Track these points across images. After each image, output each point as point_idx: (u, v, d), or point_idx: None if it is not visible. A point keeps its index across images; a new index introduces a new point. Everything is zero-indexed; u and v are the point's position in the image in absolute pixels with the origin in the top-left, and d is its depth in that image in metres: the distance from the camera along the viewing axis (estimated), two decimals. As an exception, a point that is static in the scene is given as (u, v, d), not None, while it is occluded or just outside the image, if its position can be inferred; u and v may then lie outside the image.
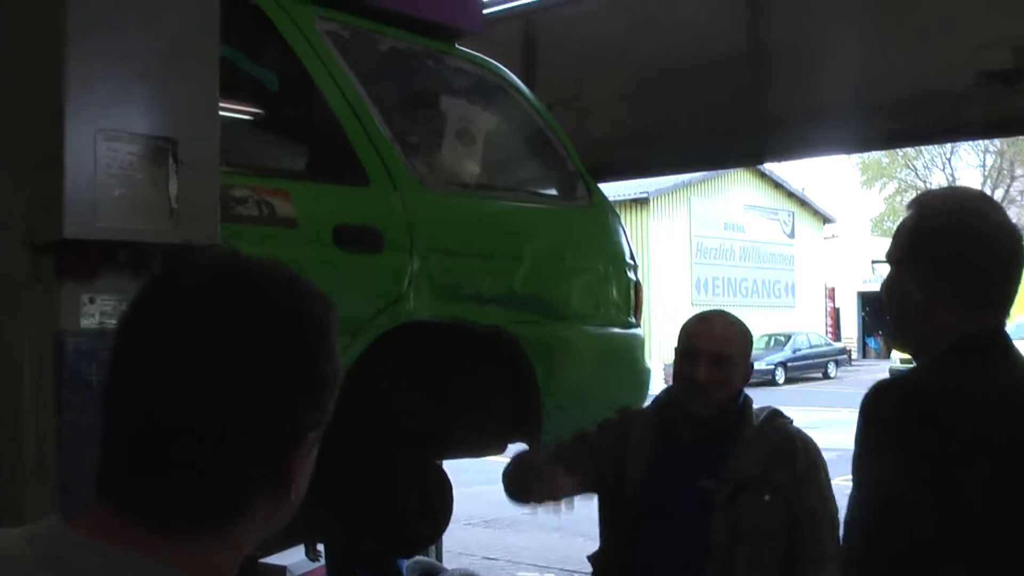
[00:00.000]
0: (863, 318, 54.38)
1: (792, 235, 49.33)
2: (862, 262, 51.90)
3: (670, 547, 3.86)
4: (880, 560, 2.31)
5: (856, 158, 61.65)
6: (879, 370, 27.55)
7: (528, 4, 9.40)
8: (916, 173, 63.54)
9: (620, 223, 6.39)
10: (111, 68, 3.19)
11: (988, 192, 57.82)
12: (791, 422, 4.03)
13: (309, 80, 4.87)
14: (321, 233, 4.60)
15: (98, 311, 3.11)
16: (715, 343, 3.93)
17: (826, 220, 53.65)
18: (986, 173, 61.34)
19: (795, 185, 51.06)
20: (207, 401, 1.38)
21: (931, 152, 60.09)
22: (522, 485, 4.15)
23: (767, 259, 47.51)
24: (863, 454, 2.42)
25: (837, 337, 50.95)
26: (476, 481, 15.21)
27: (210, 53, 3.46)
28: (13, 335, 3.24)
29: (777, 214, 48.54)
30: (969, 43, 6.96)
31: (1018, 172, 61.58)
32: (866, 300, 51.83)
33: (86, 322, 3.10)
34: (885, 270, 2.68)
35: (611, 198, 6.53)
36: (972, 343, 2.46)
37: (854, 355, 51.41)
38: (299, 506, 1.54)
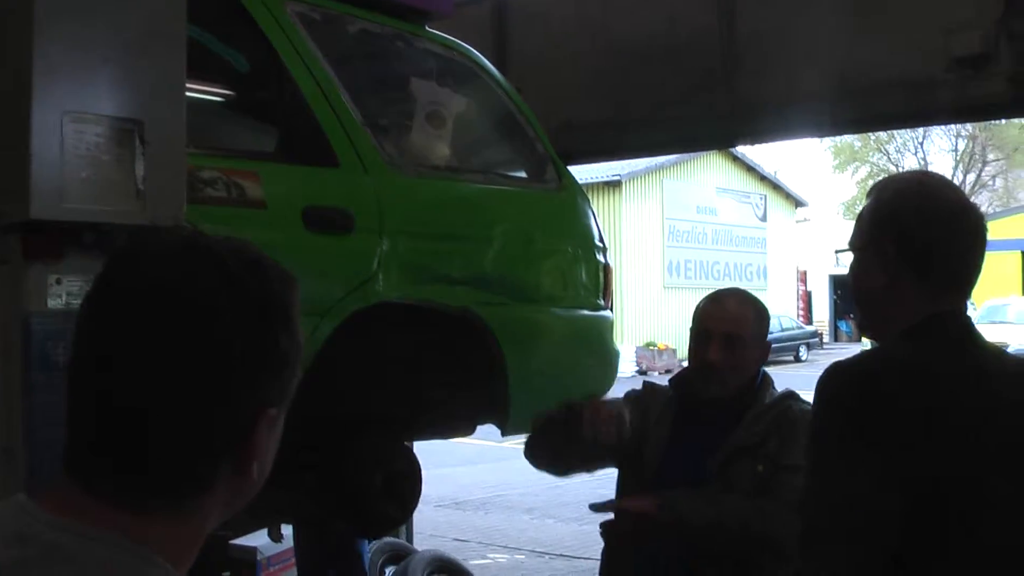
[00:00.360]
0: (835, 301, 54.59)
1: (764, 218, 49.46)
2: (834, 246, 52.07)
3: None
4: (829, 541, 2.33)
5: (828, 142, 62.01)
6: (850, 353, 27.65)
7: (499, -14, 9.39)
8: (888, 157, 63.83)
9: (589, 205, 6.40)
10: (78, 50, 3.19)
11: (960, 176, 58.40)
12: (805, 405, 3.72)
13: (279, 61, 4.86)
14: (291, 215, 4.60)
15: (64, 292, 3.12)
16: (727, 324, 3.85)
17: (798, 204, 53.81)
18: (958, 157, 61.66)
19: (767, 168, 51.25)
20: (166, 377, 1.39)
21: (903, 136, 60.40)
22: (562, 433, 3.87)
23: (739, 242, 47.63)
24: (816, 436, 2.44)
25: (809, 320, 51.15)
26: (447, 463, 15.28)
27: (177, 35, 3.46)
28: (-20, 316, 3.24)
29: (749, 197, 48.64)
30: (939, 28, 6.98)
31: (990, 157, 61.90)
32: (838, 283, 52.03)
33: (53, 303, 3.10)
34: (849, 258, 2.69)
35: (583, 180, 6.55)
36: (929, 324, 2.48)
37: (826, 338, 51.57)
38: (264, 485, 1.55)
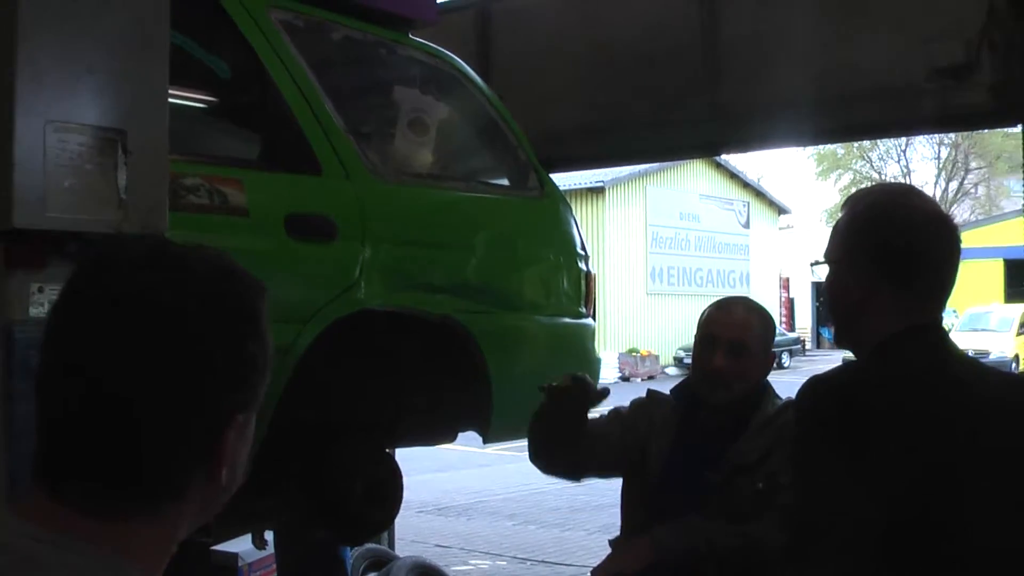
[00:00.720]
0: (817, 308, 54.61)
1: (747, 225, 49.51)
2: (817, 253, 52.01)
3: None
4: (814, 555, 2.34)
5: (812, 149, 61.99)
6: (833, 360, 27.64)
7: (482, -6, 9.39)
8: (871, 165, 64.00)
9: (572, 213, 6.42)
10: (61, 59, 3.19)
11: (943, 184, 58.53)
12: None
13: (262, 69, 4.86)
14: (273, 222, 4.60)
15: (47, 300, 3.11)
16: (732, 331, 3.86)
17: (781, 211, 53.86)
18: (941, 165, 61.86)
19: (751, 175, 51.30)
20: (134, 385, 1.39)
21: (886, 144, 60.54)
22: (555, 416, 4.01)
23: (722, 249, 47.64)
24: (796, 449, 2.46)
25: (791, 327, 51.16)
26: (429, 469, 15.28)
27: (160, 44, 3.46)
28: (-38, 324, 3.24)
29: (732, 204, 48.68)
30: (921, 38, 7.01)
31: (973, 165, 62.04)
32: (820, 291, 52.03)
33: (35, 311, 3.10)
34: (823, 271, 2.71)
35: (567, 187, 6.56)
36: (906, 336, 2.49)
37: (808, 345, 51.61)
38: (247, 491, 1.56)
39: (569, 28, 8.75)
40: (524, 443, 4.21)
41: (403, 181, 5.40)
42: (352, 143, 5.06)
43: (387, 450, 5.66)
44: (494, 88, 6.50)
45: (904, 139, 56.62)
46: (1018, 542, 2.36)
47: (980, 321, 35.23)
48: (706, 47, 8.07)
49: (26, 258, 3.12)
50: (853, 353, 2.68)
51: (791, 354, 43.75)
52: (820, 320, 54.96)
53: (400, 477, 5.40)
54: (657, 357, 39.81)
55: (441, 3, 7.52)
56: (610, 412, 4.23)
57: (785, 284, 52.77)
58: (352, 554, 7.53)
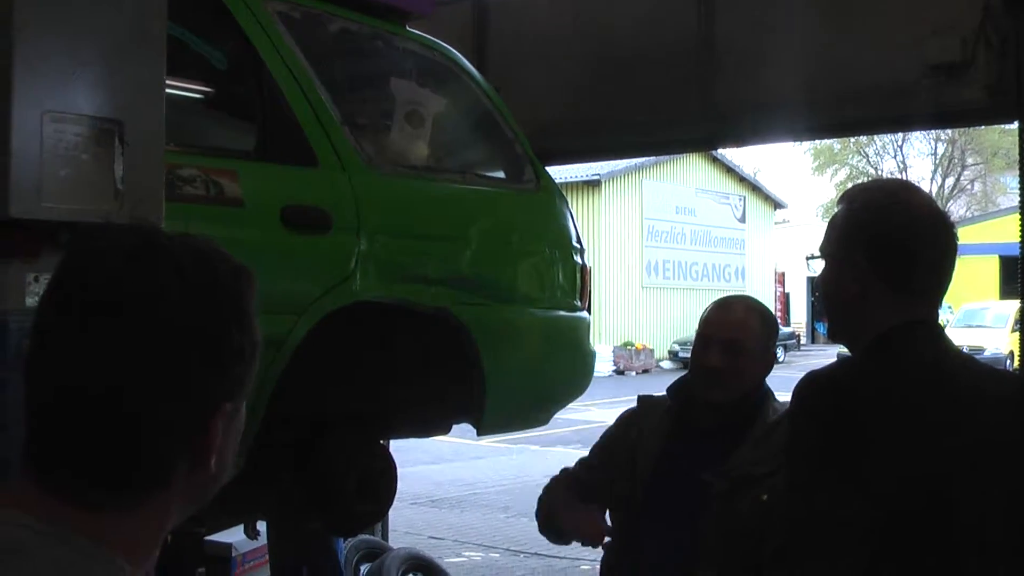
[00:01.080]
0: (812, 303, 54.59)
1: (743, 220, 49.51)
2: (812, 248, 52.03)
3: (668, 539, 3.74)
4: (808, 556, 2.34)
5: (808, 144, 61.92)
6: (828, 355, 27.74)
7: (479, -14, 9.39)
8: (868, 160, 63.92)
9: (567, 207, 6.41)
10: (58, 50, 3.19)
11: (939, 180, 58.50)
12: None
13: (258, 60, 4.85)
14: (269, 213, 4.59)
15: (43, 289, 3.12)
16: (730, 329, 3.82)
17: (777, 205, 53.87)
18: (937, 161, 61.80)
19: (747, 170, 51.35)
20: (119, 373, 1.39)
21: (883, 139, 60.47)
22: (556, 532, 4.14)
23: (718, 243, 47.65)
24: (792, 449, 2.46)
25: (787, 322, 51.16)
26: (423, 460, 15.28)
27: (158, 36, 3.46)
28: (-42, 313, 3.24)
29: (728, 198, 48.67)
30: (918, 35, 7.02)
31: (969, 161, 62.01)
32: (816, 286, 52.03)
33: (31, 300, 3.11)
34: (819, 266, 2.71)
35: (563, 180, 6.57)
36: (901, 333, 2.50)
37: (803, 340, 51.67)
38: (231, 479, 1.55)
39: (565, 21, 8.75)
40: (518, 436, 4.23)
41: (399, 173, 5.39)
42: (348, 135, 5.05)
43: (381, 442, 5.66)
44: (490, 81, 6.50)
45: (900, 134, 56.63)
46: (1014, 537, 2.38)
47: (975, 317, 35.24)
48: (703, 43, 8.07)
49: (22, 248, 3.12)
50: (847, 348, 2.68)
51: (786, 349, 43.71)
52: (815, 315, 54.95)
53: (394, 469, 5.40)
54: (652, 351, 39.82)
55: (438, -5, 7.51)
56: (600, 452, 4.22)
57: (780, 279, 52.80)
58: (345, 545, 7.55)
